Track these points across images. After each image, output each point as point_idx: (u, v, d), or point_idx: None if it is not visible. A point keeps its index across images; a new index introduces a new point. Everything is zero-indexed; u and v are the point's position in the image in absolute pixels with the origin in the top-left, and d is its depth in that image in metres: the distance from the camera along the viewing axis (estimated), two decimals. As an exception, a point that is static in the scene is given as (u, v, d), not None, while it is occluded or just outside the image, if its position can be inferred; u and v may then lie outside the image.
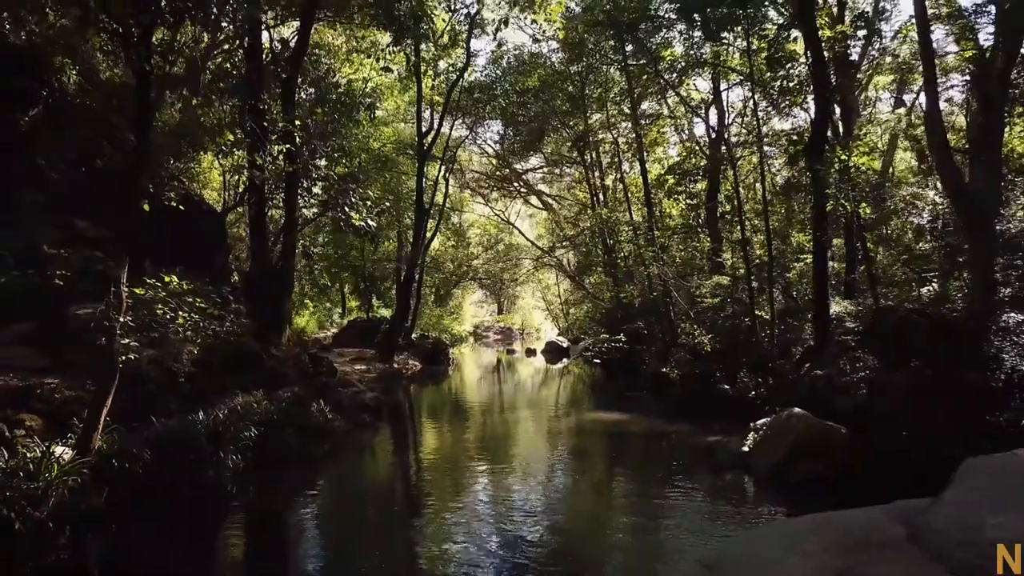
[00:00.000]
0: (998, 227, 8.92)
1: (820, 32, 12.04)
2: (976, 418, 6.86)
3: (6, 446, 5.94)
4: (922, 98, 15.41)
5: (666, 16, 13.80)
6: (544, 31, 20.00)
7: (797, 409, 7.89)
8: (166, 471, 6.65)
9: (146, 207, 6.08)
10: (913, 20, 10.93)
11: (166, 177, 8.79)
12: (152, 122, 5.78)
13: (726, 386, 11.19)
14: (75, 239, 6.63)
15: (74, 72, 13.14)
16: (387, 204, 16.74)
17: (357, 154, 17.74)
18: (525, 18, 21.27)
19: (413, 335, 22.76)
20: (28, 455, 5.83)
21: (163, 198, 7.35)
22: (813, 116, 11.26)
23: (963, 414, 7.03)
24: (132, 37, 5.79)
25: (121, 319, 5.71)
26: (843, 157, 11.05)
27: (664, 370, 12.84)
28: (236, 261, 18.33)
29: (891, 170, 21.53)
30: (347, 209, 12.47)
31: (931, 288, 10.57)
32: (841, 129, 15.74)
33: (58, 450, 6.04)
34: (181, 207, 8.00)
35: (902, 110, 17.43)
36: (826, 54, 12.08)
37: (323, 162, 14.13)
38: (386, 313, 24.87)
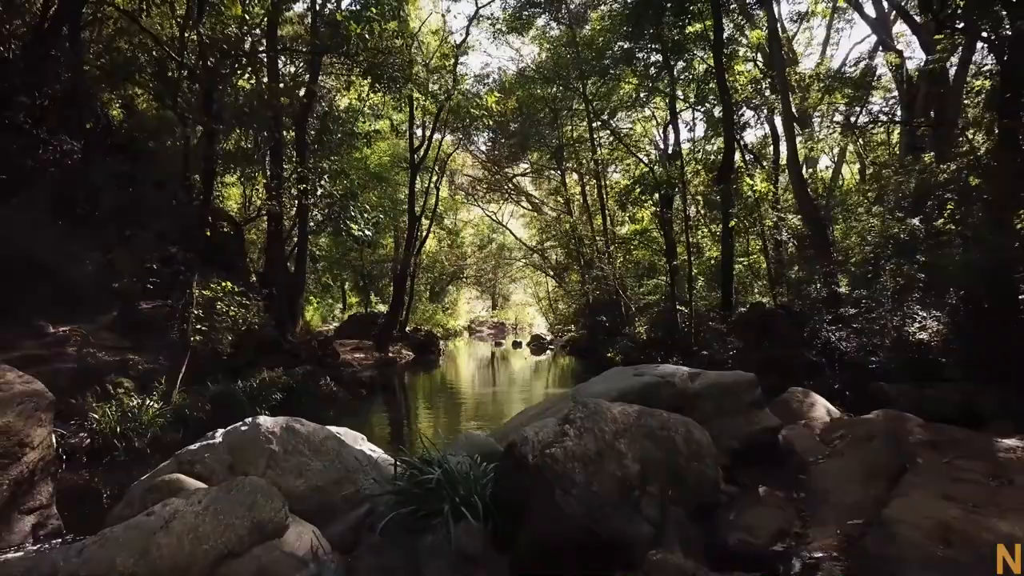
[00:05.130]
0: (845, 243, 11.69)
1: (739, 74, 14.79)
2: (799, 381, 9.64)
3: (115, 399, 8.70)
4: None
5: (614, 63, 16.46)
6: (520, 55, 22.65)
7: (683, 379, 10.67)
8: (219, 419, 9.37)
9: (208, 233, 8.80)
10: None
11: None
12: (215, 177, 8.47)
13: (653, 367, 13.93)
14: (169, 259, 9.33)
15: (117, 104, 15.89)
16: (382, 216, 19.33)
17: (356, 171, 20.35)
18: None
19: (407, 328, 25.44)
20: (129, 405, 8.57)
21: (219, 226, 10.08)
22: (723, 147, 13.92)
23: (792, 379, 9.82)
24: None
25: (194, 311, 8.42)
26: (749, 182, 13.79)
27: (609, 355, 15.56)
28: (250, 263, 21.08)
29: (840, 179, 24.25)
30: (348, 222, 15.16)
31: (816, 287, 13.26)
32: (778, 150, 18.35)
33: (148, 402, 8.79)
34: (229, 230, 10.74)
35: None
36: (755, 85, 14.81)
37: (326, 181, 16.79)
38: (383, 308, 27.47)
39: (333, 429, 4.31)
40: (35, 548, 4.62)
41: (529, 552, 3.00)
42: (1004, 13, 10.86)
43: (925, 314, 10.08)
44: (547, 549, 2.93)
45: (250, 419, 4.13)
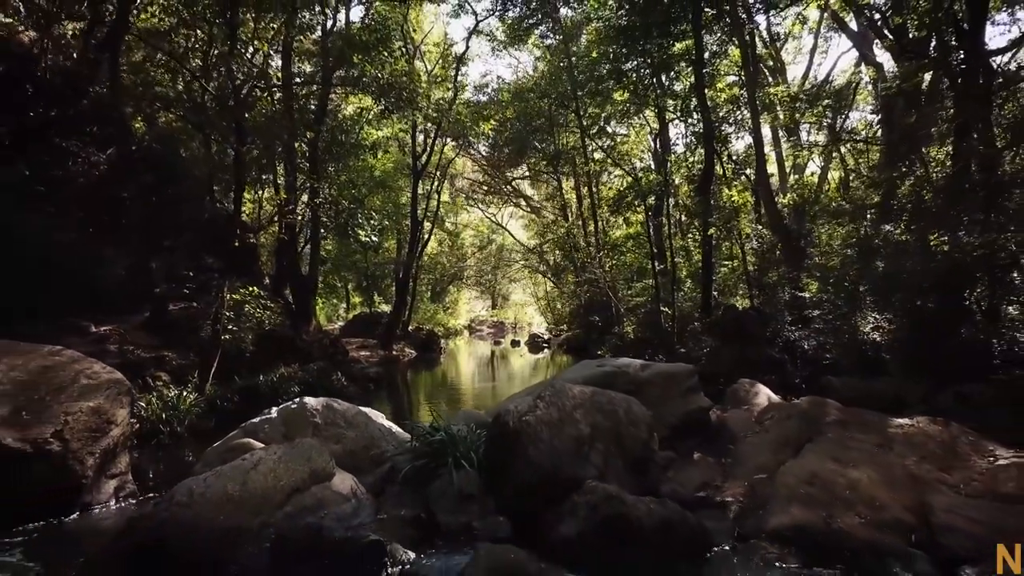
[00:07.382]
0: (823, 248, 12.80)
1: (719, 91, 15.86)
2: (763, 376, 10.77)
3: (155, 391, 9.85)
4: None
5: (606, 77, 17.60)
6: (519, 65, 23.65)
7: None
8: (246, 410, 10.52)
9: (236, 244, 9.93)
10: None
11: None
12: (243, 194, 9.59)
13: (638, 363, 15.08)
14: (203, 267, 10.47)
15: (139, 118, 17.01)
16: (386, 223, 20.45)
17: (362, 178, 21.48)
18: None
19: (410, 327, 26.58)
20: (168, 395, 9.72)
21: (246, 238, 11.22)
22: (704, 161, 15.03)
23: (758, 374, 10.95)
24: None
25: (226, 313, 9.56)
26: (728, 193, 14.90)
27: (599, 352, 16.70)
28: (261, 266, 22.23)
29: (827, 184, 25.40)
30: (355, 228, 16.29)
31: (786, 291, 14.38)
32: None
33: (185, 394, 9.93)
34: (253, 240, 11.87)
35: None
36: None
37: (334, 190, 17.92)
38: (386, 308, 28.63)
39: (361, 408, 5.46)
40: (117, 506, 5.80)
41: (510, 491, 4.14)
42: (955, 43, 12.04)
43: (879, 316, 11.22)
44: (522, 488, 4.07)
45: (298, 399, 5.28)
